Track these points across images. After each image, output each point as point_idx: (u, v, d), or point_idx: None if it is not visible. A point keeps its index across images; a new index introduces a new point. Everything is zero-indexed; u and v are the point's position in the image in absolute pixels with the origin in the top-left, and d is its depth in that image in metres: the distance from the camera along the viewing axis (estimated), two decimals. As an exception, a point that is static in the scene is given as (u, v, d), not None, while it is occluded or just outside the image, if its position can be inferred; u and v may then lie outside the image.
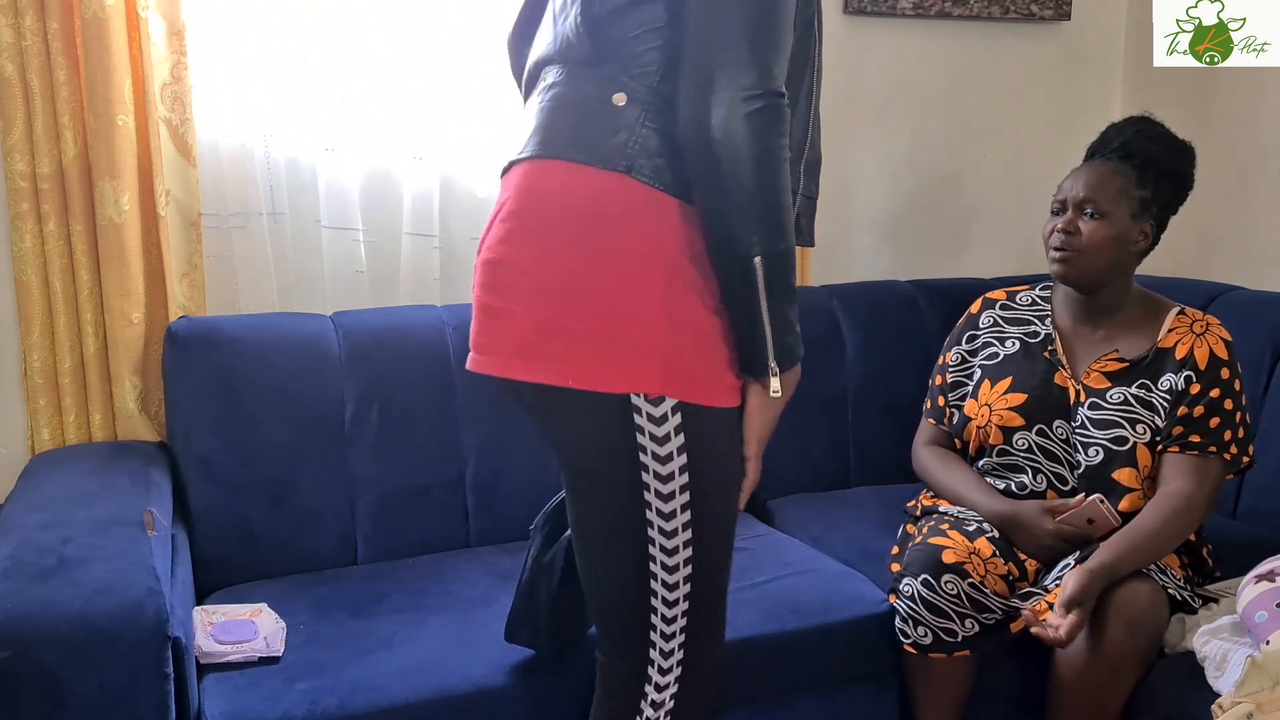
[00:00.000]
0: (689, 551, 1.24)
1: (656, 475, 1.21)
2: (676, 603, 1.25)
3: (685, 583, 1.25)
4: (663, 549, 1.23)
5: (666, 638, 1.27)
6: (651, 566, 1.24)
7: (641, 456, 1.21)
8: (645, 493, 1.22)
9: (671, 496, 1.22)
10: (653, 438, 1.21)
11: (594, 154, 1.20)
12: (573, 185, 1.21)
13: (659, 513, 1.22)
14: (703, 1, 1.17)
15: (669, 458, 1.21)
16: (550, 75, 1.28)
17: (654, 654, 1.28)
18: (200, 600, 1.86)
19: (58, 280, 1.96)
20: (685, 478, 1.22)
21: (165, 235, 2.00)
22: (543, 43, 1.31)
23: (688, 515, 1.23)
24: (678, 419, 1.21)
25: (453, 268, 2.31)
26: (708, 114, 1.15)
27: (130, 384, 2.02)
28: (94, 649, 1.41)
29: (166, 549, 1.67)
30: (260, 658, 1.66)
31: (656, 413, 1.21)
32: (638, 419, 1.20)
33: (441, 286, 2.30)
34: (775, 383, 1.24)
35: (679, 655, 1.28)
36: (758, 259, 1.17)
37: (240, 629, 1.69)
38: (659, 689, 1.29)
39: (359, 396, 2.05)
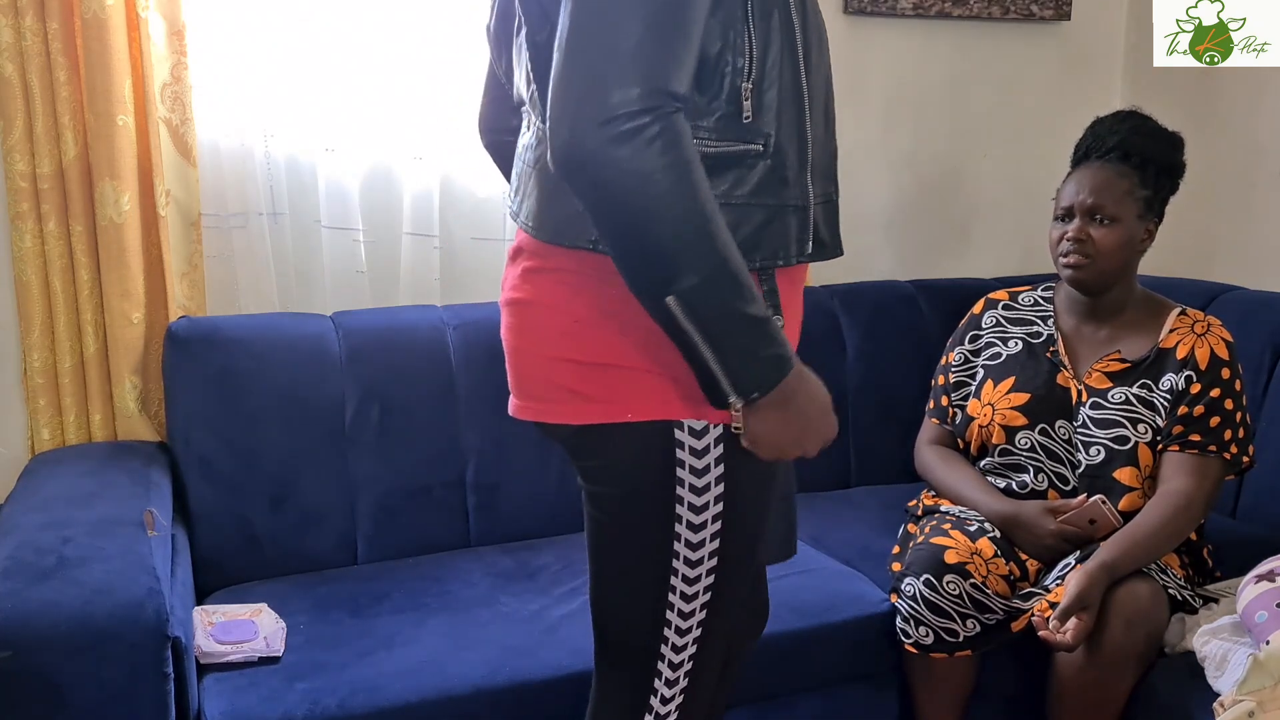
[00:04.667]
0: (710, 579, 1.20)
1: (690, 506, 1.18)
2: (690, 630, 1.23)
3: (702, 609, 1.22)
4: (684, 578, 1.20)
5: (674, 666, 1.25)
6: (670, 597, 1.21)
7: (679, 487, 1.18)
8: (676, 524, 1.19)
9: (703, 527, 1.19)
10: (692, 469, 1.17)
11: (565, 232, 1.16)
12: (558, 264, 1.18)
13: (687, 543, 1.19)
14: (565, 16, 1.04)
15: (706, 488, 1.18)
16: (525, 129, 1.25)
17: (658, 684, 1.25)
18: (200, 600, 1.86)
19: (58, 280, 1.96)
20: (719, 507, 1.19)
21: (165, 235, 2.00)
22: (516, 67, 1.27)
23: (715, 545, 1.20)
24: (720, 448, 1.17)
25: (453, 268, 2.31)
26: (569, 143, 1.02)
27: (130, 384, 2.02)
28: (94, 649, 1.41)
29: (166, 549, 1.67)
30: (260, 658, 1.66)
31: (699, 443, 1.17)
32: (679, 437, 1.17)
33: (441, 286, 2.30)
34: (738, 418, 1.11)
35: (684, 684, 1.26)
36: (669, 299, 1.03)
37: (240, 629, 1.69)
38: (659, 718, 1.28)
39: (359, 396, 2.05)
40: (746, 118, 1.12)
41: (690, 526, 1.18)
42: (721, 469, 1.18)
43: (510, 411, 1.28)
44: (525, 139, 1.26)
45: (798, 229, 1.17)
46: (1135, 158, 1.91)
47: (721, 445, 1.18)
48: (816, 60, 1.18)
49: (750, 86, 1.11)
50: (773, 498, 1.27)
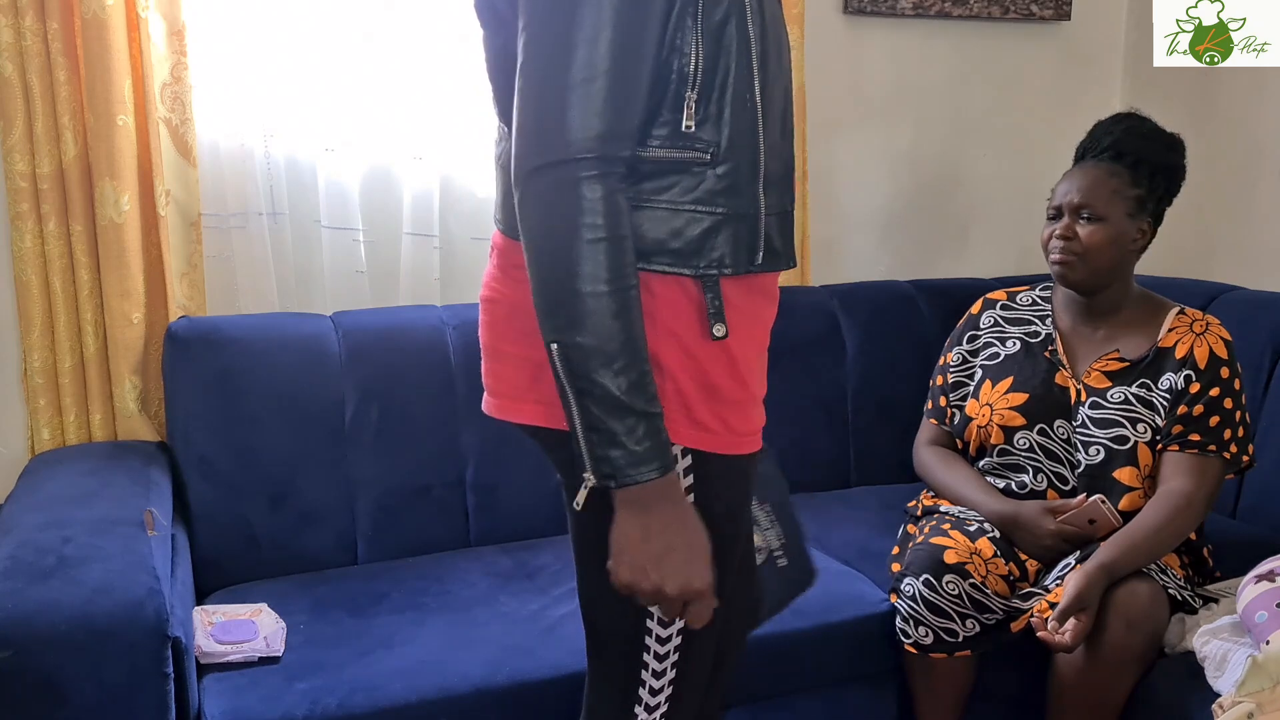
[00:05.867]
0: None
1: None
2: (672, 622, 1.23)
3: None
4: None
5: (660, 659, 1.25)
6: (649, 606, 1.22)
7: None
8: None
9: None
10: None
11: (515, 226, 1.14)
12: (519, 262, 1.16)
13: None
14: (524, 49, 1.06)
15: None
16: (499, 128, 1.27)
17: (645, 675, 1.26)
18: (200, 600, 1.86)
19: (58, 280, 1.96)
20: None
21: (165, 235, 2.00)
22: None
23: None
24: (688, 463, 1.16)
25: (453, 268, 2.31)
26: (513, 178, 1.06)
27: (130, 384, 2.02)
28: (94, 649, 1.41)
29: (166, 549, 1.67)
30: (260, 658, 1.66)
31: None
32: None
33: (441, 286, 2.30)
34: (580, 495, 1.09)
35: (671, 676, 1.26)
36: (554, 345, 1.05)
37: (240, 629, 1.69)
38: (649, 709, 1.28)
39: (359, 396, 2.05)
40: (687, 126, 1.11)
41: None
42: (690, 483, 1.17)
43: (482, 407, 1.29)
44: (498, 142, 1.27)
45: (747, 238, 1.16)
46: (1128, 157, 1.92)
47: (689, 460, 1.16)
48: (775, 70, 1.17)
49: (694, 95, 1.11)
50: (747, 497, 1.26)
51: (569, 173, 1.03)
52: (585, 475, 1.08)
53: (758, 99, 1.15)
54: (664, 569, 1.10)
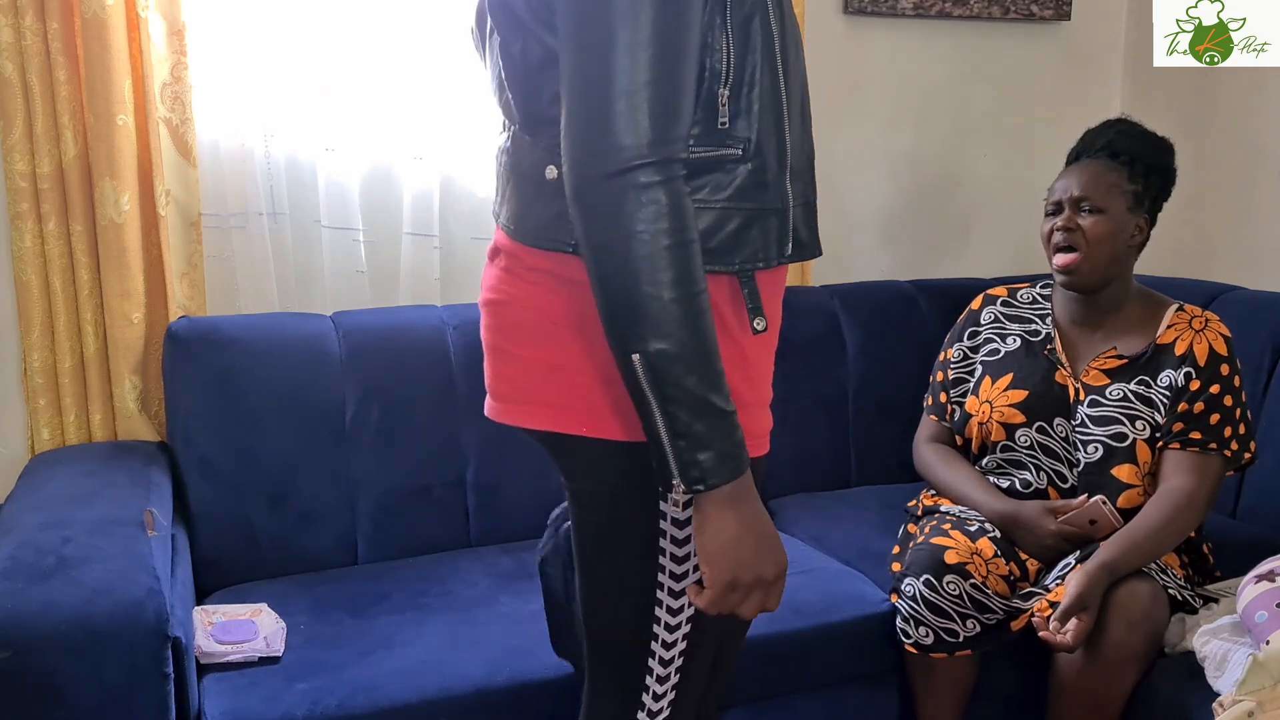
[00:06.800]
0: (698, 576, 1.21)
1: (674, 522, 1.17)
2: (678, 627, 1.22)
3: (688, 624, 1.22)
4: (672, 575, 1.19)
5: (665, 664, 1.24)
6: (657, 612, 1.21)
7: (661, 505, 1.16)
8: (661, 540, 1.17)
9: (687, 542, 1.17)
10: (674, 501, 1.16)
11: (544, 235, 1.16)
12: (535, 265, 1.19)
13: (673, 557, 1.18)
14: (568, 59, 1.05)
15: (689, 516, 1.16)
16: (502, 131, 1.26)
17: (650, 681, 1.25)
18: (200, 600, 1.86)
19: (58, 280, 1.96)
20: None
21: (165, 235, 2.00)
22: (489, 73, 1.27)
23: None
24: None
25: (453, 268, 2.31)
26: (572, 192, 1.04)
27: (130, 384, 2.02)
28: (94, 649, 1.41)
29: (166, 549, 1.67)
30: (260, 658, 1.66)
31: None
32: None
33: (441, 286, 2.30)
34: (681, 500, 1.10)
35: (675, 680, 1.26)
36: (635, 356, 1.03)
37: (240, 629, 1.69)
38: (651, 715, 1.28)
39: (359, 396, 2.05)
40: (723, 123, 1.11)
41: (676, 524, 1.18)
42: None
43: (485, 411, 1.28)
44: (501, 142, 1.26)
45: (777, 231, 1.16)
46: (1123, 155, 1.94)
47: None
48: (794, 64, 1.19)
49: (727, 92, 1.11)
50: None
51: (631, 180, 1.01)
52: (675, 482, 1.06)
53: (782, 92, 1.15)
54: (762, 556, 1.11)
